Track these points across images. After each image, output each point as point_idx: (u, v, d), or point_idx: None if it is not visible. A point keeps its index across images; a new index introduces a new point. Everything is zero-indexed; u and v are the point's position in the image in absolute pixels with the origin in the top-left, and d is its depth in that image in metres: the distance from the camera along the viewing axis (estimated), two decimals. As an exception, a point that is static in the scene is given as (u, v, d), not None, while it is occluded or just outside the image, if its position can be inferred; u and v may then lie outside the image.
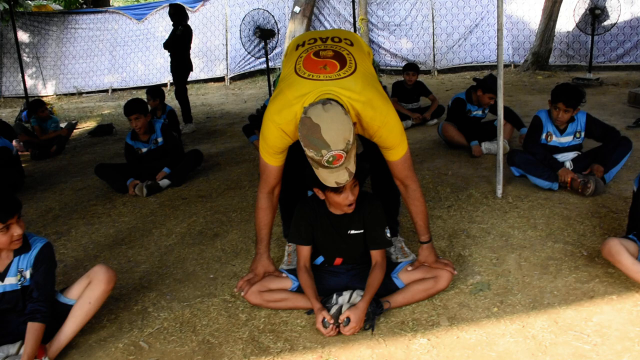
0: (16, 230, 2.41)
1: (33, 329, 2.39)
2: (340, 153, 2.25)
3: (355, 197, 2.59)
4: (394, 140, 2.61)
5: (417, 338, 2.47)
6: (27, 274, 2.53)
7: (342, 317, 2.50)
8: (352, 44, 2.75)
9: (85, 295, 2.60)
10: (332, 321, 2.49)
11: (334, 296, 2.66)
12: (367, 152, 3.04)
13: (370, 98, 2.52)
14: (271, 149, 2.66)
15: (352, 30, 9.52)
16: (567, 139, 4.26)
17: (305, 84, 2.53)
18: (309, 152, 2.28)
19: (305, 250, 2.78)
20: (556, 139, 4.27)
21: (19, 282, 2.52)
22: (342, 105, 2.34)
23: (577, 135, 4.28)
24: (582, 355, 2.26)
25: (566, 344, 2.33)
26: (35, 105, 7.42)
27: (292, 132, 2.56)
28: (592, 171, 4.09)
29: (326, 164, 2.28)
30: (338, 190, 2.51)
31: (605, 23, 9.61)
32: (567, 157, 4.25)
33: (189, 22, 8.01)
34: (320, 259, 2.87)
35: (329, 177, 2.35)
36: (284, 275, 2.87)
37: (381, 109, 2.55)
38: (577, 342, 2.34)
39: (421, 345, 2.42)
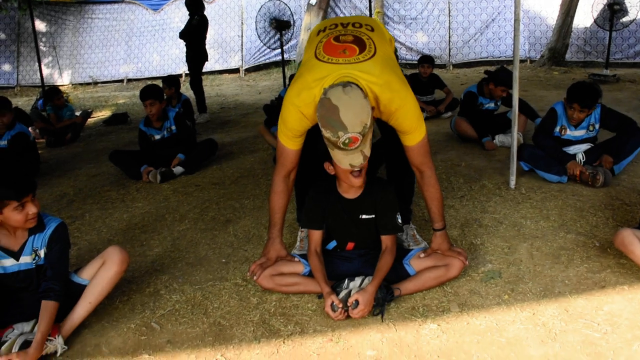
0: (31, 209, 2.44)
1: (47, 307, 2.42)
2: (356, 136, 2.27)
3: (364, 172, 2.61)
4: (411, 125, 2.61)
5: (427, 323, 2.48)
6: (42, 253, 2.56)
7: (351, 300, 2.51)
8: (372, 30, 2.76)
9: (99, 275, 2.63)
10: (340, 305, 2.50)
11: (346, 281, 2.67)
12: (384, 138, 3.04)
13: (388, 81, 2.53)
14: (290, 132, 2.68)
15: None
16: (580, 132, 4.24)
17: (324, 67, 2.54)
18: (326, 133, 2.30)
19: (317, 235, 2.79)
20: (570, 133, 4.25)
21: (34, 261, 2.55)
22: (361, 89, 2.36)
23: (591, 128, 4.25)
24: (592, 343, 2.25)
25: (576, 332, 2.33)
26: (51, 93, 7.49)
27: (311, 115, 2.57)
28: (601, 162, 4.06)
29: (342, 146, 2.30)
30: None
31: (624, 19, 9.50)
32: (579, 149, 4.22)
33: (204, 13, 8.03)
34: (332, 244, 2.88)
35: (343, 159, 2.38)
36: (296, 259, 2.88)
37: (399, 92, 2.56)
38: (587, 330, 2.34)
39: (431, 330, 2.43)
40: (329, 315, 2.52)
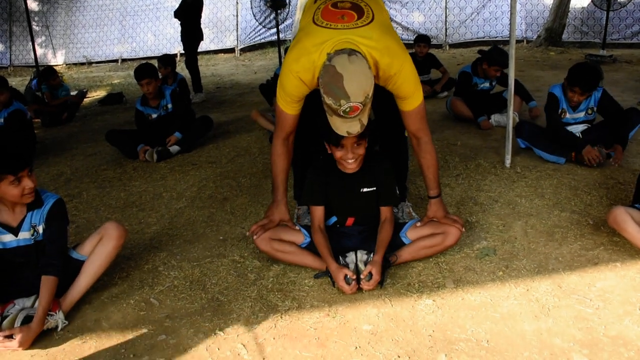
0: (27, 184, 2.44)
1: (47, 282, 2.44)
2: (357, 105, 2.29)
3: (358, 157, 2.64)
4: (409, 88, 2.63)
5: (422, 299, 2.51)
6: (40, 229, 2.58)
7: (365, 272, 2.55)
8: None
9: (97, 250, 2.65)
10: (354, 277, 2.54)
11: (340, 258, 2.70)
12: (378, 117, 3.05)
13: (387, 45, 2.53)
14: (288, 97, 2.69)
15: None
16: (579, 115, 4.25)
17: (323, 32, 2.55)
18: (328, 100, 2.31)
19: (319, 211, 2.82)
20: (569, 116, 4.26)
21: (33, 237, 2.57)
22: (365, 59, 2.36)
23: (589, 112, 4.25)
24: (584, 318, 2.29)
25: (569, 307, 2.37)
26: (47, 74, 7.43)
27: (310, 80, 2.58)
28: (614, 151, 4.03)
29: (342, 114, 2.32)
30: (339, 145, 2.58)
31: (622, -1, 9.48)
32: (576, 130, 4.23)
33: (199, -9, 7.97)
34: (332, 220, 2.91)
35: (341, 126, 2.40)
36: (297, 228, 2.91)
37: (398, 55, 2.57)
38: (579, 305, 2.38)
39: (426, 305, 2.46)
40: (343, 289, 2.55)
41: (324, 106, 2.41)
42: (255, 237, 2.83)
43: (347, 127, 2.40)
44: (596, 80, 4.07)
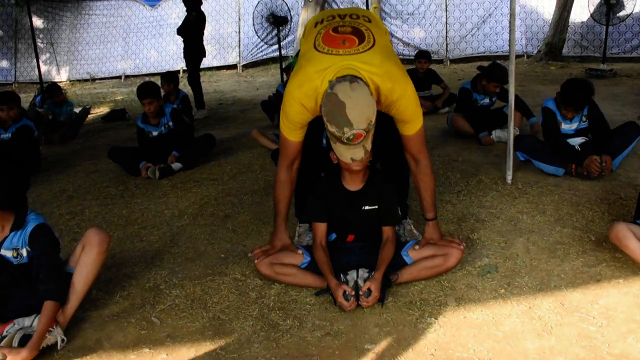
0: None
1: (46, 307, 2.42)
2: (361, 132, 2.31)
3: (365, 163, 2.64)
4: (411, 113, 2.65)
5: (424, 317, 2.50)
6: (24, 252, 2.56)
7: (364, 289, 2.55)
8: (369, 21, 2.78)
9: (81, 260, 2.63)
10: (353, 293, 2.54)
11: (341, 276, 2.69)
12: (379, 135, 3.06)
13: (388, 70, 2.55)
14: (291, 124, 2.70)
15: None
16: (575, 125, 4.29)
17: (324, 58, 2.56)
18: (331, 128, 2.33)
19: (322, 228, 2.83)
20: (565, 126, 4.28)
21: (16, 260, 2.56)
22: (367, 85, 2.38)
23: (583, 119, 4.29)
24: (587, 336, 2.28)
25: (572, 325, 2.36)
26: (51, 90, 7.48)
27: (312, 107, 2.59)
28: (602, 161, 4.03)
29: (345, 141, 2.34)
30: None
31: (620, 14, 9.51)
32: (575, 142, 4.24)
33: (202, 9, 8.03)
34: (332, 236, 2.92)
35: (345, 153, 2.44)
36: (299, 251, 2.91)
37: (400, 81, 2.59)
38: (582, 323, 2.37)
39: (428, 324, 2.45)
40: (342, 305, 2.54)
41: (327, 134, 2.43)
42: (256, 261, 2.85)
43: (351, 153, 2.44)
44: (588, 98, 4.11)
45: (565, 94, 4.11)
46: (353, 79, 2.35)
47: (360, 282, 2.63)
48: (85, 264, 2.63)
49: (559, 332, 2.32)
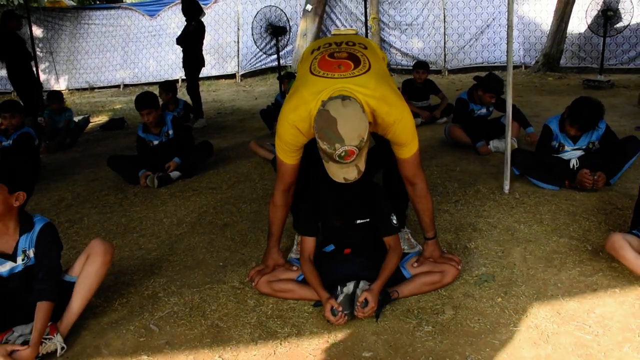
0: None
1: (41, 308, 2.44)
2: (353, 149, 2.29)
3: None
4: (408, 137, 2.65)
5: (421, 325, 2.51)
6: (31, 254, 2.58)
7: (361, 299, 2.54)
8: (365, 48, 2.80)
9: (85, 270, 2.65)
10: (340, 308, 2.52)
11: (338, 287, 2.66)
12: (379, 144, 3.08)
13: (384, 94, 2.56)
14: (286, 147, 2.71)
15: (363, 28, 9.57)
16: (578, 150, 4.23)
17: (319, 81, 2.57)
18: (322, 145, 2.32)
19: (310, 242, 2.83)
20: (568, 148, 4.22)
21: (23, 262, 2.58)
22: (360, 104, 2.39)
23: (591, 145, 4.19)
24: (584, 345, 2.30)
25: (568, 334, 2.37)
26: (53, 97, 7.50)
27: (306, 130, 2.60)
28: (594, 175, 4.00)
29: (337, 159, 2.32)
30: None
31: (618, 25, 9.59)
32: (573, 155, 4.22)
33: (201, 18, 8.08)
34: (330, 247, 2.92)
35: (337, 172, 2.41)
36: (293, 267, 2.92)
37: (396, 104, 2.60)
38: (579, 332, 2.38)
39: (426, 332, 2.46)
40: (329, 320, 2.54)
41: (319, 152, 2.42)
42: (254, 283, 2.88)
43: (343, 173, 2.40)
44: (596, 120, 4.02)
45: (574, 112, 4.04)
46: (345, 97, 2.37)
47: (359, 293, 2.62)
48: (89, 273, 2.65)
49: (556, 340, 2.34)
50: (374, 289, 2.58)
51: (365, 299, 2.54)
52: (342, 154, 2.30)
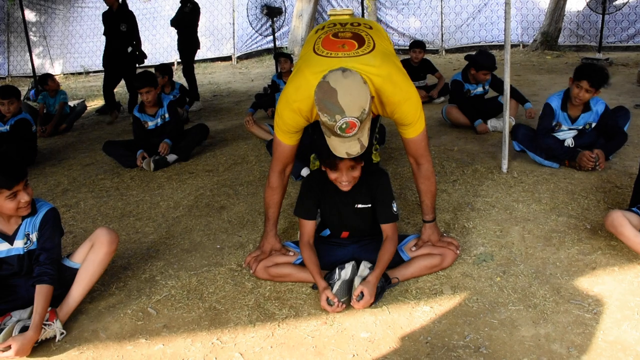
0: (23, 197, 2.45)
1: (42, 291, 2.43)
2: (354, 121, 2.22)
3: (352, 179, 2.60)
4: (414, 117, 2.61)
5: (420, 306, 2.51)
6: (34, 238, 2.58)
7: (357, 293, 2.48)
8: (371, 28, 2.76)
9: (89, 258, 2.65)
10: (335, 299, 2.47)
11: (336, 270, 2.65)
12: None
13: (389, 72, 2.52)
14: (285, 127, 2.67)
15: (360, 8, 9.48)
16: (572, 132, 4.21)
17: (322, 61, 2.53)
18: (323, 117, 2.25)
19: (310, 226, 2.78)
20: (565, 127, 4.19)
21: (25, 246, 2.57)
22: (361, 77, 2.32)
23: (587, 126, 4.18)
24: (582, 323, 2.29)
25: (567, 313, 2.37)
26: (44, 78, 7.43)
27: (308, 110, 2.55)
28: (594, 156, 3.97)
29: (339, 131, 2.25)
30: (333, 167, 2.54)
31: (617, 2, 9.53)
32: (568, 135, 4.20)
33: (196, 0, 7.98)
34: (327, 231, 2.90)
35: (339, 147, 2.33)
36: (290, 251, 2.89)
37: (401, 84, 2.55)
38: (578, 310, 2.38)
39: (424, 312, 2.46)
40: (326, 309, 2.51)
41: (321, 127, 2.37)
42: (251, 270, 2.86)
43: (346, 147, 2.32)
44: (604, 75, 3.96)
45: (581, 70, 3.99)
46: (346, 69, 2.31)
47: (357, 282, 2.56)
48: (92, 261, 2.64)
49: (555, 319, 2.33)
50: (371, 281, 2.52)
51: (361, 292, 2.48)
52: (343, 126, 2.22)
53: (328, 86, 2.24)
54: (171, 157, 5.07)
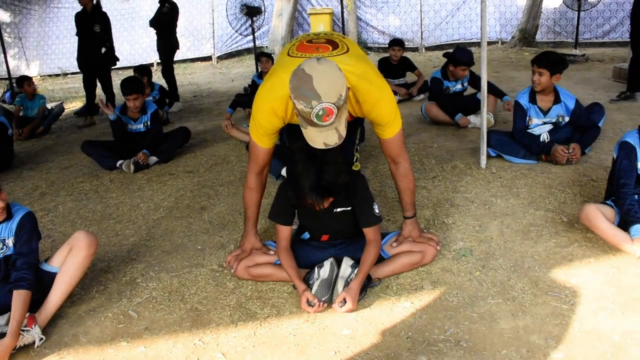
0: None
1: (19, 297, 2.40)
2: (331, 107, 2.16)
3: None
4: (390, 116, 2.61)
5: (400, 301, 2.53)
6: (10, 243, 2.56)
7: (339, 300, 2.47)
8: (344, 37, 2.81)
9: (68, 262, 2.62)
10: (315, 300, 2.47)
11: (315, 269, 2.61)
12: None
13: (365, 71, 2.52)
14: (261, 129, 2.64)
15: (339, 7, 9.49)
16: (547, 124, 4.27)
17: (297, 61, 2.46)
18: (299, 105, 2.19)
19: (286, 231, 2.74)
20: (538, 120, 4.25)
21: (1, 251, 2.55)
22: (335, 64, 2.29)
23: (560, 119, 4.24)
24: (560, 314, 2.33)
25: (545, 304, 2.41)
26: (21, 80, 7.33)
27: (283, 111, 2.53)
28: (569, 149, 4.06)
29: (315, 119, 2.18)
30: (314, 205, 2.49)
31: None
32: (543, 130, 4.25)
33: (175, 0, 7.93)
34: (306, 235, 2.88)
35: (317, 137, 2.26)
36: (271, 251, 2.88)
37: (377, 82, 2.57)
38: (555, 302, 2.42)
39: (405, 308, 2.48)
40: (307, 311, 2.50)
41: (297, 117, 2.31)
42: (232, 270, 2.86)
43: (323, 137, 2.25)
44: (554, 58, 4.12)
45: (536, 56, 4.23)
46: (320, 58, 2.29)
47: (340, 283, 2.54)
48: (71, 265, 2.62)
49: (533, 311, 2.37)
50: (353, 288, 2.50)
51: (344, 299, 2.47)
52: (320, 112, 2.16)
53: (303, 73, 2.20)
54: (152, 160, 5.03)
